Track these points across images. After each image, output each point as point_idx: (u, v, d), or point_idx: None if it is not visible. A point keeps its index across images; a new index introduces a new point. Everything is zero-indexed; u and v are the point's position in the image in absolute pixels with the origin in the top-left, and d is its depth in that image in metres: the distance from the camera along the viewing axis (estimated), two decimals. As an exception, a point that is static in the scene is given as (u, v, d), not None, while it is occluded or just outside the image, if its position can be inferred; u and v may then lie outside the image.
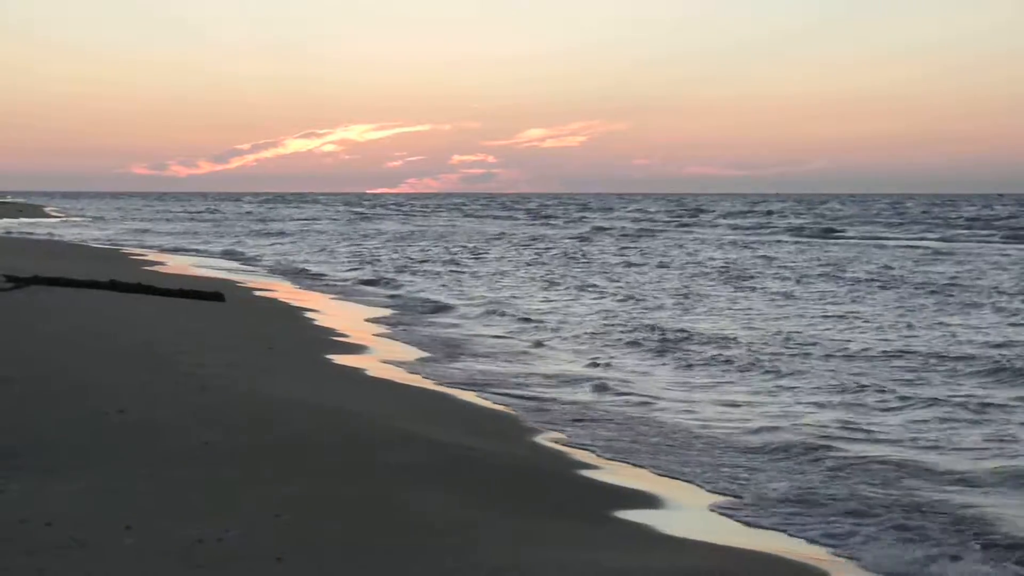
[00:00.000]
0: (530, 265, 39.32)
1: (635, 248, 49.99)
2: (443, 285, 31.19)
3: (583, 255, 44.42)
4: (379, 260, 41.46)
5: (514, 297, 27.32)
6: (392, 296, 27.83)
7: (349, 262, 40.91)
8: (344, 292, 29.00)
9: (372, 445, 10.24)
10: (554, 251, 47.56)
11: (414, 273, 35.22)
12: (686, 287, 30.06)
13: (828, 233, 66.83)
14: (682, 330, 20.40)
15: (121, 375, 12.83)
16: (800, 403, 13.83)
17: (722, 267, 37.49)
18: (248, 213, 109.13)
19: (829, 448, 11.28)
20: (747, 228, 74.61)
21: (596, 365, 16.62)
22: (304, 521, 7.70)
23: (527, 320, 22.16)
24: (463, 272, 35.80)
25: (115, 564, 6.50)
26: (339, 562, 6.91)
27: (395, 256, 43.85)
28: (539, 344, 18.78)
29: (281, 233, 64.82)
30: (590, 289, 29.41)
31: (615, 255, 44.82)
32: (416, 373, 15.59)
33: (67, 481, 8.31)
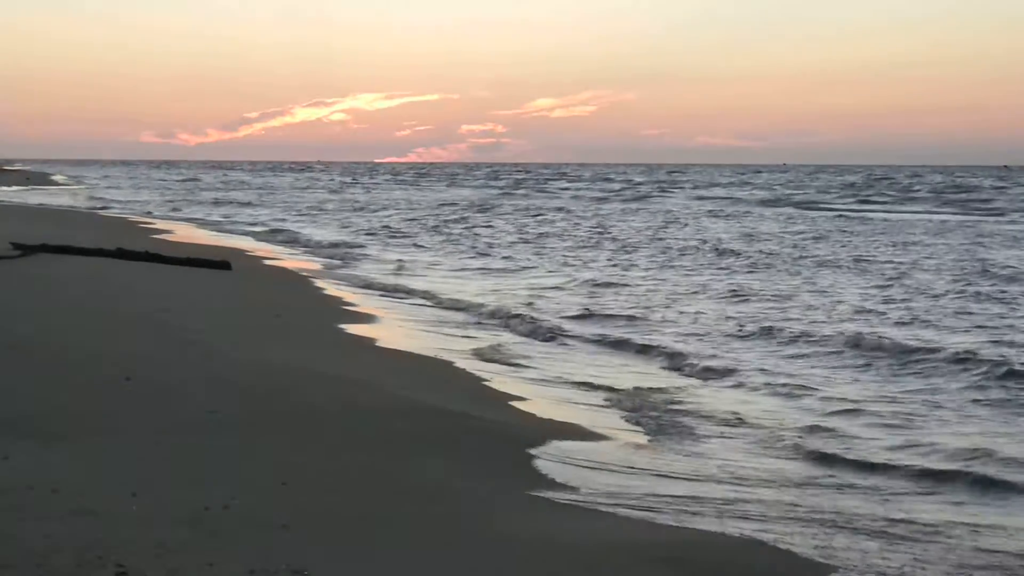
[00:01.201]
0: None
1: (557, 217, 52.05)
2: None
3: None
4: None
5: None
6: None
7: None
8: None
9: (376, 413, 10.27)
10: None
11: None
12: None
13: (778, 203, 69.09)
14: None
15: (128, 343, 12.85)
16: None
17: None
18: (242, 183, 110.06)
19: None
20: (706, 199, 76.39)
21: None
22: (310, 489, 7.73)
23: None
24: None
25: (122, 530, 6.52)
26: (345, 530, 6.93)
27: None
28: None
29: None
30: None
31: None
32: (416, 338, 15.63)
33: (74, 448, 8.34)
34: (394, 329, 16.88)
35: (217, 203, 64.10)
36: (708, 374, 14.21)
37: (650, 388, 13.09)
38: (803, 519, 8.22)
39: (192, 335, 13.73)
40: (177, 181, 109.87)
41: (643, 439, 10.75)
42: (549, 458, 9.45)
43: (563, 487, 8.60)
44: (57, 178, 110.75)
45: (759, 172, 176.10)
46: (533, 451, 9.60)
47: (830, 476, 9.55)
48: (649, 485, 8.95)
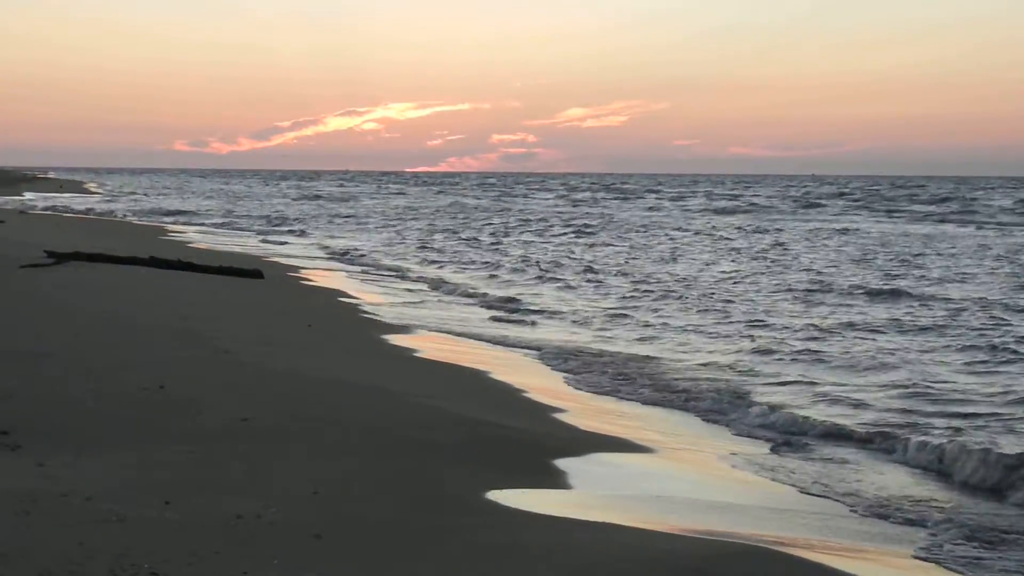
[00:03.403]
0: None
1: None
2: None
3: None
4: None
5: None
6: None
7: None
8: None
9: (407, 423, 10.28)
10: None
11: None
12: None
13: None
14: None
15: (161, 351, 12.91)
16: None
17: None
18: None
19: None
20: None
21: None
22: (342, 498, 7.73)
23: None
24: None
25: (155, 538, 6.54)
26: (376, 539, 6.93)
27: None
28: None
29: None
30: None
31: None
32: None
33: (107, 456, 8.38)
34: (426, 339, 16.90)
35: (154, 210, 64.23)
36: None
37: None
38: (836, 532, 8.20)
39: (225, 343, 13.78)
40: (167, 186, 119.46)
41: (681, 452, 10.71)
42: (582, 470, 9.43)
43: (592, 499, 8.58)
44: (90, 186, 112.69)
45: (750, 183, 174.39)
46: (567, 462, 9.58)
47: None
48: (680, 498, 8.92)
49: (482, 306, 22.05)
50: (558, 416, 11.67)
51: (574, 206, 78.74)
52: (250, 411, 10.13)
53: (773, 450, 10.77)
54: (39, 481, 7.58)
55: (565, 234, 46.02)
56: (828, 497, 9.24)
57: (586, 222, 55.22)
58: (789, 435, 11.35)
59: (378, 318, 18.85)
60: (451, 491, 8.22)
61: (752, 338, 17.42)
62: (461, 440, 9.80)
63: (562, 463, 9.54)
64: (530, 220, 57.35)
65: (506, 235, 45.15)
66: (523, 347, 16.72)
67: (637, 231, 48.34)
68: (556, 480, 9.03)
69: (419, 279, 27.15)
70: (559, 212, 68.43)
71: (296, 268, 28.28)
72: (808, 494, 9.32)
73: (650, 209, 74.73)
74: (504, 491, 8.37)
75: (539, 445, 10.07)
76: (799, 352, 16.06)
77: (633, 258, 33.97)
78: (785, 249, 37.75)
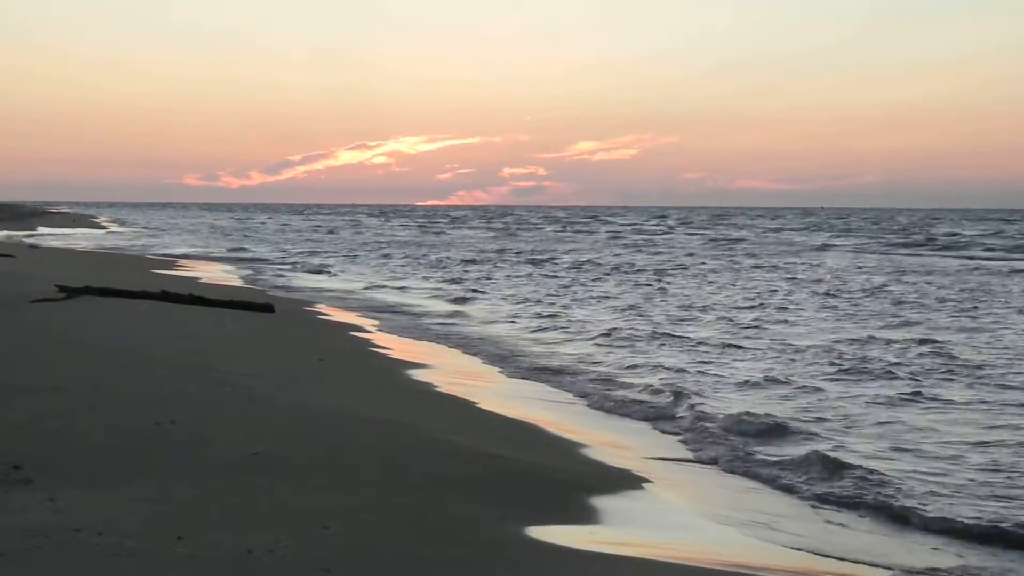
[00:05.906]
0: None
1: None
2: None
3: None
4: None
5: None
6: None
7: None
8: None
9: (420, 456, 10.23)
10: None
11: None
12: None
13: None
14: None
15: (172, 385, 12.90)
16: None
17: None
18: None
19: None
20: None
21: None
22: (353, 532, 7.70)
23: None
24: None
25: (167, 573, 6.51)
26: (386, 572, 6.89)
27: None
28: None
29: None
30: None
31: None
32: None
33: (118, 490, 8.35)
34: (438, 372, 16.87)
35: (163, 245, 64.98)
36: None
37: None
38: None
39: (235, 377, 13.77)
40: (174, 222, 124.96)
41: (700, 487, 10.66)
42: (607, 506, 9.38)
43: (616, 535, 8.53)
44: (100, 220, 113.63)
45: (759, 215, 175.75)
46: (590, 499, 9.53)
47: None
48: (708, 531, 8.88)
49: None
50: (585, 452, 11.61)
51: (507, 236, 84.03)
52: (261, 445, 10.10)
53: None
54: (50, 515, 7.55)
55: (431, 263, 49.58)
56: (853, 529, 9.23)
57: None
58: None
59: (389, 351, 18.83)
60: (461, 525, 8.17)
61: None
62: (476, 474, 9.74)
63: (586, 498, 9.50)
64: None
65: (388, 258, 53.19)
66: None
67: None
68: (578, 516, 8.97)
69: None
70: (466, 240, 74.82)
71: (309, 302, 28.32)
72: (834, 524, 9.32)
73: (561, 234, 77.25)
74: (517, 526, 8.33)
75: (559, 480, 10.03)
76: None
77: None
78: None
